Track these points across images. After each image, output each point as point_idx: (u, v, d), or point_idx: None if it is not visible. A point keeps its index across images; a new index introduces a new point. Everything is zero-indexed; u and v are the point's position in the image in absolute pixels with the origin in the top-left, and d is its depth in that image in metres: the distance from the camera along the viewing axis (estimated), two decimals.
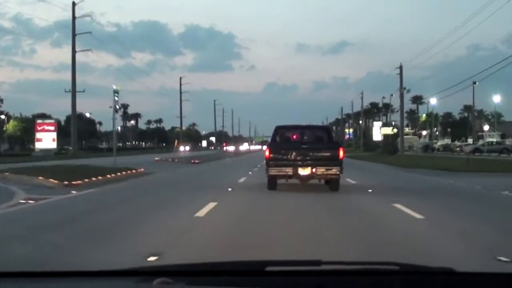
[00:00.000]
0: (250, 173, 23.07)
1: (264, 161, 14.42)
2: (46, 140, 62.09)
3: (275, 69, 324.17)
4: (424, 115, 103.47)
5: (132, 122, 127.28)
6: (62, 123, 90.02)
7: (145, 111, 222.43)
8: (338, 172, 13.65)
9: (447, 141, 68.23)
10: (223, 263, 2.23)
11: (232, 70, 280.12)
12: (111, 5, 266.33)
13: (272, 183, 14.14)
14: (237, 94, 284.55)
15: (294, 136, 15.92)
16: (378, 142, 75.49)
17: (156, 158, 40.66)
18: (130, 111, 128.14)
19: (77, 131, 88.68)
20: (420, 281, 2.00)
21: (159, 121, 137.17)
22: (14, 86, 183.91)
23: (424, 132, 79.84)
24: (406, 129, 73.18)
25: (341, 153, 13.86)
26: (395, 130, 72.35)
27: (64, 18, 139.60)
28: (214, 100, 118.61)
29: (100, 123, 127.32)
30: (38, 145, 61.90)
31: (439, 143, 68.01)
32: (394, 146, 59.18)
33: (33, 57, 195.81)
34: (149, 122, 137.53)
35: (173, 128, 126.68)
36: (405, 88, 53.80)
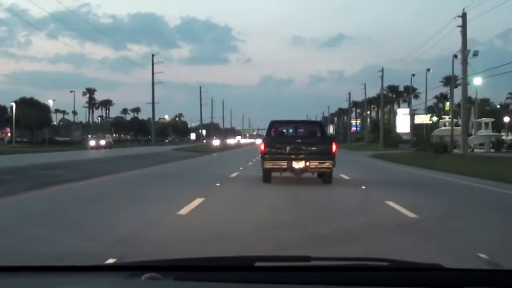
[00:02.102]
0: None
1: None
2: None
3: (271, 62, 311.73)
4: (447, 103, 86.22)
5: (106, 111, 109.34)
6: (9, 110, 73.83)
7: (137, 103, 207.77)
8: (331, 166, 14.34)
9: None
10: (211, 258, 2.21)
11: (228, 63, 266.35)
12: None
13: (267, 176, 14.70)
14: (233, 87, 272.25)
15: (289, 131, 16.90)
16: (403, 135, 59.15)
17: None
18: (102, 97, 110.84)
19: (24, 119, 72.94)
20: (409, 277, 1.98)
21: (137, 110, 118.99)
22: (9, 77, 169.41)
23: (502, 121, 58.06)
24: (447, 118, 54.29)
25: (333, 148, 14.57)
26: (434, 118, 55.23)
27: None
28: (200, 87, 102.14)
29: (74, 113, 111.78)
30: None
31: (509, 137, 50.08)
32: (442, 142, 41.78)
33: (28, 48, 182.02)
34: (125, 111, 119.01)
35: (159, 119, 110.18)
36: (469, 51, 33.28)
